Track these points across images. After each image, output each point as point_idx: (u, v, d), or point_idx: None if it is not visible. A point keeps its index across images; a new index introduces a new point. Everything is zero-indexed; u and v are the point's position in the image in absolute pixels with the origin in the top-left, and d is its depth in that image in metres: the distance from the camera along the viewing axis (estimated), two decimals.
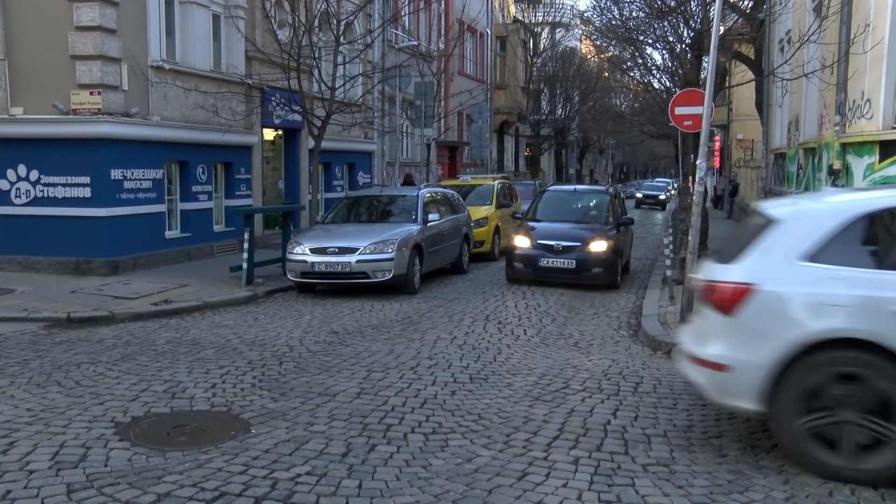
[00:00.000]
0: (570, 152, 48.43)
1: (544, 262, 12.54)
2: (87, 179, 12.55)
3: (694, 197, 9.81)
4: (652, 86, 16.06)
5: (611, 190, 14.79)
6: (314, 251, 11.63)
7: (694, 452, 5.27)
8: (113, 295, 10.78)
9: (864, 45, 11.01)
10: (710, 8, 12.37)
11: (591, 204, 14.45)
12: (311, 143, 15.37)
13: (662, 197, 43.69)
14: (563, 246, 12.55)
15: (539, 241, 12.72)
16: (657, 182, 53.67)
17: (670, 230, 11.81)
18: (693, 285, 9.32)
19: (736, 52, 21.30)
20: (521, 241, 12.91)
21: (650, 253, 19.02)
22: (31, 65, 12.55)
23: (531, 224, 13.54)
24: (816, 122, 13.83)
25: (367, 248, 11.51)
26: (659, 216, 36.04)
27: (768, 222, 5.23)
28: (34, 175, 12.66)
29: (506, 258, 13.27)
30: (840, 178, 11.82)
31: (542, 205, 14.49)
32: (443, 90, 23.96)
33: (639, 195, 46.27)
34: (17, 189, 12.72)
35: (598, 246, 12.46)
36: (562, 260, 12.48)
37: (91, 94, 12.38)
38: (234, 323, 9.60)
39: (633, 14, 15.20)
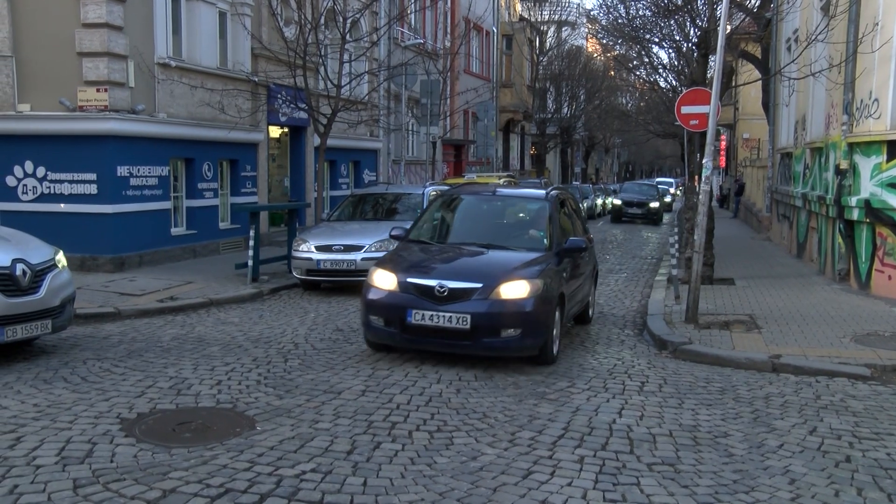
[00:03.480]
0: (575, 151, 48.40)
1: (417, 318, 7.14)
2: (93, 176, 12.58)
3: (700, 196, 9.79)
4: (658, 85, 16.01)
5: (554, 194, 9.09)
6: (320, 249, 11.64)
7: (699, 452, 5.25)
8: (118, 291, 10.80)
9: (873, 45, 10.98)
10: (716, 7, 12.33)
11: (518, 217, 9.20)
12: (317, 140, 15.39)
13: (654, 205, 30.75)
14: (450, 289, 7.15)
15: (410, 280, 7.33)
16: (645, 184, 36.66)
17: (675, 229, 11.79)
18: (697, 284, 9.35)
19: (743, 51, 21.24)
20: (382, 279, 7.50)
21: (655, 252, 19.00)
22: (38, 61, 12.58)
23: (411, 249, 8.30)
24: (823, 121, 13.79)
25: (372, 245, 11.52)
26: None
27: None
28: (41, 171, 12.69)
29: (361, 306, 7.84)
30: (847, 177, 11.78)
31: (439, 217, 9.25)
32: (448, 88, 23.99)
33: (616, 202, 31.50)
34: (24, 185, 12.76)
35: (515, 289, 7.21)
36: (448, 314, 7.08)
37: (98, 90, 12.40)
38: (239, 320, 9.61)
39: (640, 13, 15.15)
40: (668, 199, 39.41)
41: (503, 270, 7.44)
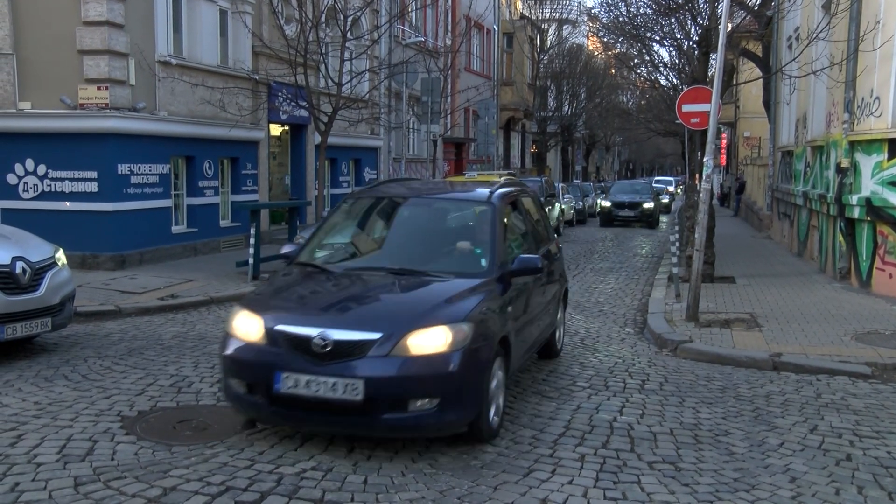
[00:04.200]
0: (576, 149, 48.37)
1: (288, 386, 4.94)
2: (94, 174, 12.58)
3: (701, 194, 9.78)
4: (659, 83, 16.01)
5: (501, 195, 6.64)
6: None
7: (700, 450, 5.25)
8: (119, 289, 10.80)
9: (874, 43, 10.97)
10: (718, 5, 12.32)
11: (450, 228, 6.78)
12: (318, 138, 15.39)
13: (648, 206, 27.45)
14: (335, 341, 4.97)
15: (281, 328, 5.14)
16: (637, 183, 33.66)
17: (676, 227, 11.78)
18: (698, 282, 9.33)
19: (744, 50, 21.22)
20: (245, 325, 5.29)
21: (656, 250, 18.99)
22: (38, 59, 12.57)
23: (293, 278, 5.99)
24: (824, 119, 13.78)
25: None
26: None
27: None
28: (42, 169, 12.70)
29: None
30: (848, 176, 11.78)
31: (345, 229, 6.85)
32: (449, 86, 23.96)
33: (605, 203, 28.46)
34: (25, 183, 12.76)
35: (430, 339, 5.03)
36: (331, 379, 4.88)
37: (98, 88, 12.40)
38: None
39: (641, 11, 15.14)
40: (664, 199, 35.27)
41: (416, 311, 5.16)
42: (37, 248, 7.51)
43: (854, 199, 11.48)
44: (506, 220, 6.47)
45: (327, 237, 6.57)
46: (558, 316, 7.76)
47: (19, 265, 7.01)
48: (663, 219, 29.83)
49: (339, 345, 4.89)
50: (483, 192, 6.81)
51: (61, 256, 7.79)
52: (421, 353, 4.93)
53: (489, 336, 5.25)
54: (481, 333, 5.15)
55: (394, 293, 5.66)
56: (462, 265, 6.07)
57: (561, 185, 28.76)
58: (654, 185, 34.64)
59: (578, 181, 42.13)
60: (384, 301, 5.59)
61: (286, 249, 6.58)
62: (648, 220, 27.38)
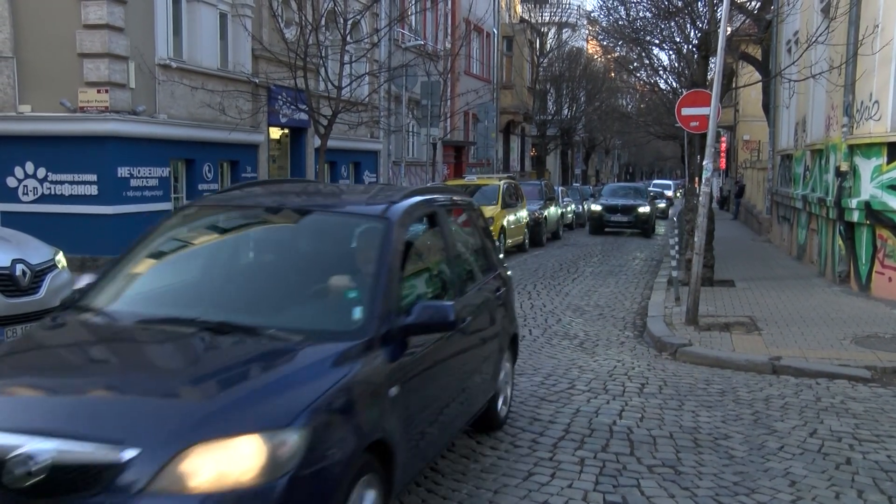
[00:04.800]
0: (575, 152, 48.38)
1: None
2: (93, 177, 12.60)
3: (700, 198, 9.79)
4: (658, 86, 16.03)
5: (403, 209, 4.31)
6: None
7: (700, 454, 5.25)
8: None
9: (873, 46, 10.98)
10: (717, 9, 12.34)
11: (319, 258, 4.40)
12: (318, 141, 15.39)
13: (644, 210, 24.39)
14: (51, 465, 2.69)
15: None
16: (631, 187, 28.87)
17: (676, 231, 11.79)
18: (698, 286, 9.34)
19: (743, 53, 21.27)
20: None
21: (655, 254, 18.99)
22: (38, 62, 12.59)
23: (49, 332, 3.92)
24: (824, 123, 13.79)
25: None
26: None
27: None
28: (41, 172, 12.71)
29: None
30: (847, 179, 11.79)
31: (166, 251, 4.60)
32: (449, 90, 23.98)
33: (595, 207, 25.32)
34: (25, 186, 12.77)
35: (224, 461, 2.77)
36: None
37: (98, 91, 12.42)
38: None
39: (640, 14, 15.16)
40: (661, 204, 31.86)
41: (209, 405, 3.04)
42: (36, 251, 7.49)
43: (853, 202, 11.49)
44: (412, 246, 4.42)
45: (138, 266, 4.37)
46: (501, 376, 5.51)
47: (19, 267, 6.98)
48: (661, 224, 27.41)
49: (58, 472, 2.72)
50: (376, 206, 4.52)
51: (61, 259, 7.78)
52: (207, 486, 2.76)
53: (344, 446, 3.13)
54: (328, 444, 3.05)
55: (187, 369, 3.45)
56: (322, 318, 3.89)
57: (560, 188, 28.78)
58: (651, 189, 31.78)
59: (578, 184, 42.15)
60: (164, 384, 3.26)
61: (81, 284, 4.33)
62: (644, 227, 24.33)
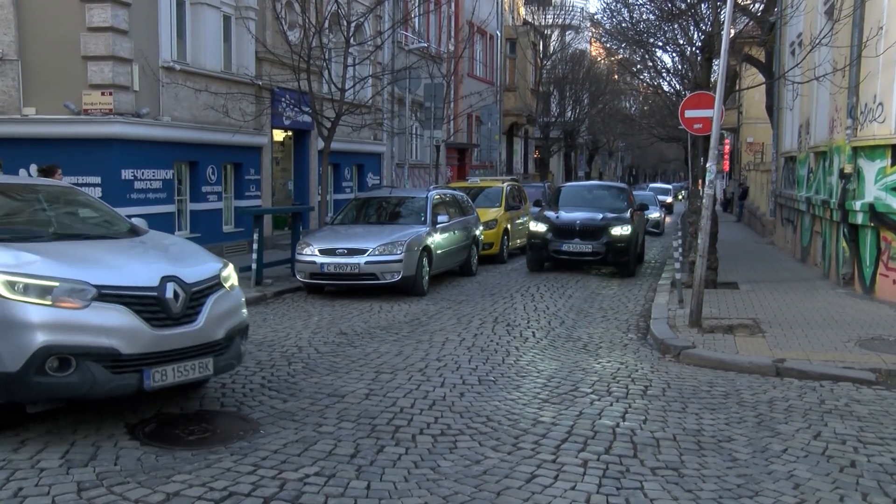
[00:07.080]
0: (579, 155, 48.39)
1: None
2: (98, 179, 12.63)
3: (704, 200, 9.78)
4: (662, 88, 16.01)
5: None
6: (323, 252, 11.65)
7: (703, 456, 5.24)
8: None
9: (877, 48, 10.96)
10: (720, 11, 12.33)
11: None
12: (321, 144, 15.42)
13: (619, 232, 14.45)
14: None
15: None
16: (603, 189, 17.56)
17: (679, 233, 11.77)
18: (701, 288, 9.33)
19: (746, 55, 21.24)
20: None
21: (659, 256, 18.98)
22: (43, 65, 12.63)
23: None
24: (827, 125, 13.78)
25: (376, 249, 11.52)
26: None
27: None
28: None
29: None
30: (851, 181, 11.77)
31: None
32: (452, 92, 24.00)
33: (537, 228, 14.90)
34: None
35: None
36: None
37: (102, 94, 12.45)
38: None
39: (644, 17, 15.17)
40: (654, 214, 24.43)
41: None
42: (197, 265, 6.02)
43: (857, 204, 11.47)
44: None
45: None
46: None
47: (171, 287, 5.45)
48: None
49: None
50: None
51: (230, 275, 6.20)
52: None
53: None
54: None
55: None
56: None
57: None
58: (644, 194, 25.27)
59: None
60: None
61: None
62: (620, 261, 14.70)
